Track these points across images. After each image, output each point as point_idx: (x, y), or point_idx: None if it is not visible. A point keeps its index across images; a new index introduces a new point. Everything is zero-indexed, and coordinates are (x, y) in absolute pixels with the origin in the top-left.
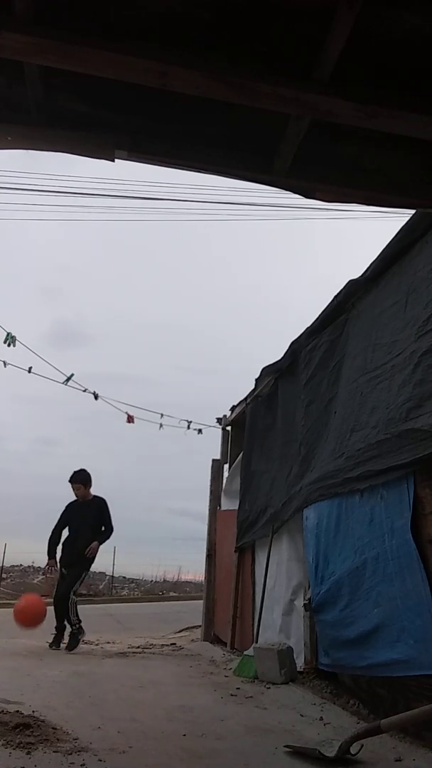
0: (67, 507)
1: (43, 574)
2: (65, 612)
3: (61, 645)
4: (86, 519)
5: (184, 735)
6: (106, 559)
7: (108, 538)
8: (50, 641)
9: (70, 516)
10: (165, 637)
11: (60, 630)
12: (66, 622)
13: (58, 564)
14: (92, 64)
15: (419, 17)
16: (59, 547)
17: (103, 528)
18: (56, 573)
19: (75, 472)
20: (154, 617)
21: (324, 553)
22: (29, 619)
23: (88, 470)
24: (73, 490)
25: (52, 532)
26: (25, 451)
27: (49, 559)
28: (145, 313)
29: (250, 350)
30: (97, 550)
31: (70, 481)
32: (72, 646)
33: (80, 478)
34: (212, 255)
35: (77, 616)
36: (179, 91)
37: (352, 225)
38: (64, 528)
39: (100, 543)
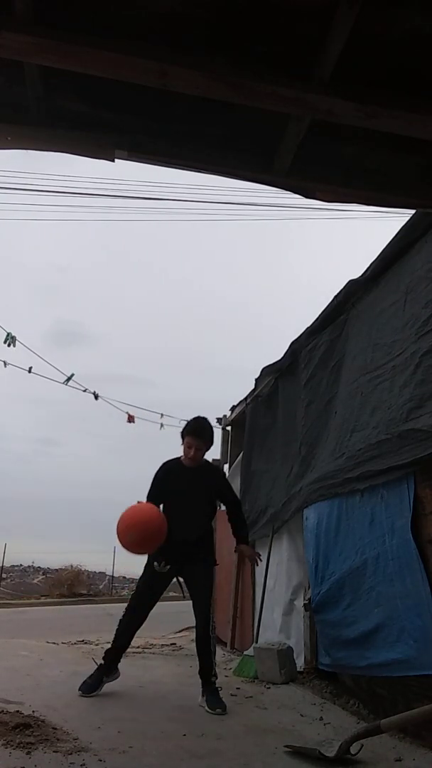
0: (164, 469)
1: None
2: (208, 652)
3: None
4: (200, 493)
5: (184, 735)
6: (105, 559)
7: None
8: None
9: (171, 486)
10: (165, 637)
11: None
12: (207, 666)
13: (161, 563)
14: (92, 64)
15: (419, 17)
16: None
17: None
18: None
19: (201, 423)
20: (154, 617)
21: (324, 553)
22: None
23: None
24: (188, 447)
25: None
26: (25, 451)
27: (156, 561)
28: (146, 313)
29: (251, 350)
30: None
31: (190, 433)
32: (218, 704)
33: (208, 435)
34: (213, 255)
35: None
36: (179, 91)
37: (352, 225)
38: (159, 504)
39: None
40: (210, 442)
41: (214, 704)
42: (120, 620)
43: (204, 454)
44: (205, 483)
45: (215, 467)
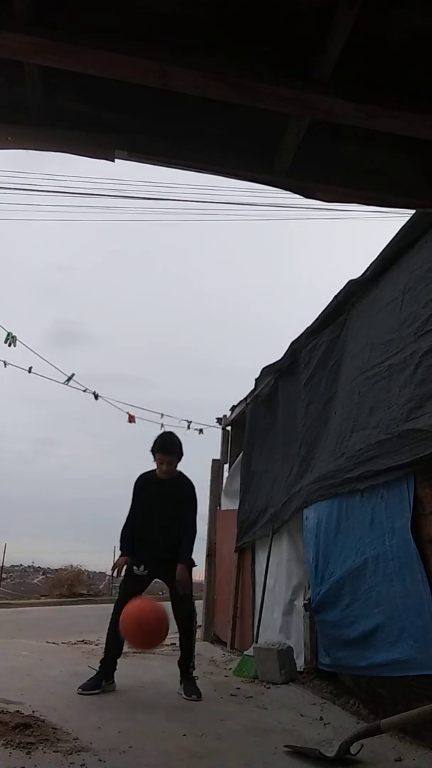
0: (140, 483)
1: (114, 573)
2: (191, 642)
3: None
4: (171, 504)
5: (184, 735)
6: (105, 559)
7: (193, 547)
8: (101, 673)
9: (147, 497)
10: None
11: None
12: (188, 656)
13: (128, 565)
14: (92, 64)
15: (419, 17)
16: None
17: (183, 527)
18: (130, 574)
19: (167, 439)
20: None
21: (324, 553)
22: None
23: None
24: (159, 463)
25: (126, 522)
26: (25, 451)
27: (122, 554)
28: (146, 313)
29: (251, 350)
30: (191, 583)
31: (159, 450)
32: (194, 691)
33: (176, 449)
34: (213, 254)
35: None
36: (179, 91)
37: (352, 225)
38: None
39: (190, 566)
40: (180, 454)
41: (190, 691)
42: (108, 628)
43: (176, 466)
44: (178, 493)
45: (188, 483)
